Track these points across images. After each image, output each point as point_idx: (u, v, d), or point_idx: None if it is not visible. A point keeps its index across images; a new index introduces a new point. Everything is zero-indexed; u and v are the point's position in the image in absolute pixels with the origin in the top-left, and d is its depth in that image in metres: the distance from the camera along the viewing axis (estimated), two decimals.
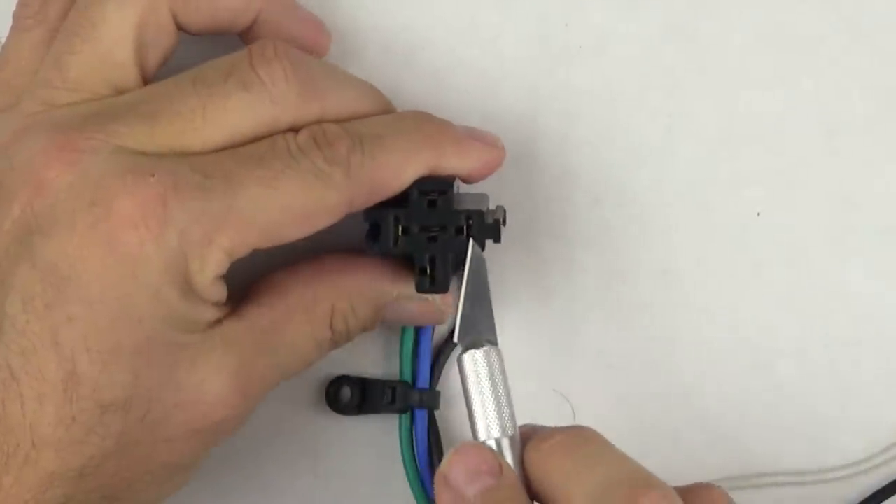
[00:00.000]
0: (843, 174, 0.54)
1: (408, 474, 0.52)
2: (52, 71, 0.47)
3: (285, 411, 0.53)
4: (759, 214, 0.54)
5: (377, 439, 0.54)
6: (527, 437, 0.44)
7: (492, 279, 0.53)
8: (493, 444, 0.44)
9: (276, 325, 0.47)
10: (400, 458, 0.53)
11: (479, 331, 0.45)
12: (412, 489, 0.52)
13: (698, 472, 0.53)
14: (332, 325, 0.48)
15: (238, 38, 0.50)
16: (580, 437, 0.43)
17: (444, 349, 0.54)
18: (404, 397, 0.53)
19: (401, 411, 0.53)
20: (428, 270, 0.48)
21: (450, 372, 0.54)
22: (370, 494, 0.54)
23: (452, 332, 0.53)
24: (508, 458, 0.44)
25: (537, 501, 0.43)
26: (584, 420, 0.53)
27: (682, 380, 0.54)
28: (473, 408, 0.44)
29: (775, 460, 0.54)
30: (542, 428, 0.44)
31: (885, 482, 0.54)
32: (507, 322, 0.54)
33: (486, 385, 0.44)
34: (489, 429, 0.44)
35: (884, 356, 0.54)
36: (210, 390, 0.45)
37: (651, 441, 0.54)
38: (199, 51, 0.49)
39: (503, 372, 0.45)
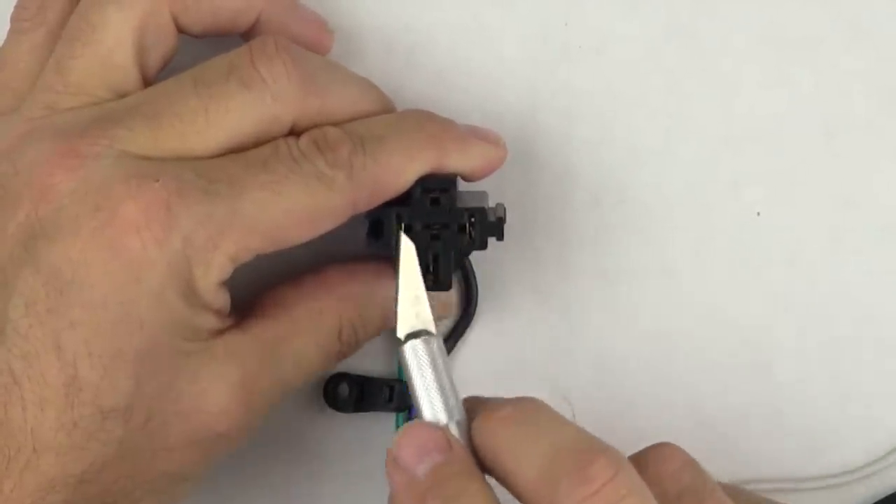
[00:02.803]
0: (842, 174, 0.54)
1: None
2: (53, 75, 0.47)
3: (283, 407, 0.53)
4: (758, 214, 0.54)
5: (374, 437, 0.54)
6: (473, 411, 0.44)
7: (491, 279, 0.53)
8: None
9: (281, 339, 0.47)
10: None
11: (417, 321, 0.45)
12: None
13: None
14: (340, 336, 0.49)
15: (239, 39, 0.49)
16: (528, 408, 0.43)
17: None
18: (402, 396, 0.53)
19: (398, 410, 0.53)
20: (430, 269, 0.48)
21: None
22: (367, 492, 0.54)
23: (451, 333, 0.53)
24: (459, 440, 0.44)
25: (488, 474, 0.42)
26: (583, 420, 0.53)
27: (681, 380, 0.54)
28: (418, 396, 0.44)
29: (775, 464, 0.54)
30: (487, 400, 0.44)
31: (885, 491, 0.54)
32: (507, 322, 0.54)
33: (429, 373, 0.44)
34: (436, 415, 0.44)
35: (884, 356, 0.54)
36: (212, 401, 0.45)
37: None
38: (200, 52, 0.48)
39: (445, 359, 0.44)
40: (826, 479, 0.54)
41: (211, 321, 0.45)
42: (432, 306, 0.45)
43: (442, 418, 0.43)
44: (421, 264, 0.48)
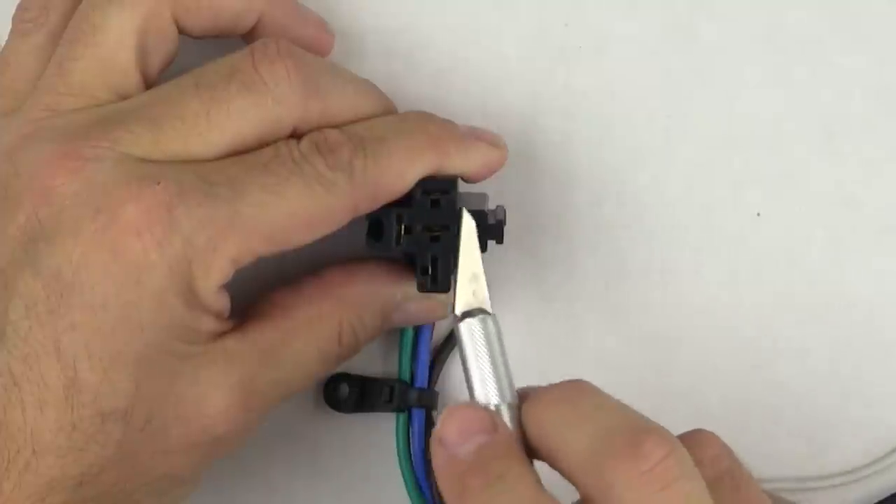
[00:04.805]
0: (842, 174, 0.54)
1: (403, 473, 0.52)
2: (54, 76, 0.47)
3: (283, 407, 0.53)
4: (758, 215, 0.54)
5: (374, 437, 0.54)
6: (524, 397, 0.43)
7: (492, 279, 0.53)
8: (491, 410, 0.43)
9: (281, 342, 0.47)
10: (396, 457, 0.52)
11: (474, 300, 0.45)
12: (407, 488, 0.52)
13: None
14: (340, 339, 0.48)
15: (240, 41, 0.50)
16: (576, 390, 0.42)
17: (442, 349, 0.54)
18: (402, 396, 0.53)
19: (398, 410, 0.53)
20: (429, 270, 0.48)
21: (448, 372, 0.54)
22: (366, 492, 0.54)
23: (451, 333, 0.53)
24: (507, 423, 0.43)
25: (537, 458, 0.42)
26: None
27: (682, 380, 0.54)
28: (471, 376, 0.43)
29: (775, 464, 0.54)
30: (539, 388, 0.44)
31: (885, 491, 0.54)
32: (507, 322, 0.53)
33: (483, 353, 0.44)
34: (487, 396, 0.43)
35: (884, 356, 0.54)
36: (211, 404, 0.45)
37: None
38: (201, 53, 0.48)
39: (500, 340, 0.44)
40: (826, 479, 0.54)
41: (211, 324, 0.45)
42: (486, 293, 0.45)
43: (493, 400, 0.43)
44: (420, 265, 0.48)
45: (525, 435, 0.42)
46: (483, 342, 0.44)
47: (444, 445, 0.42)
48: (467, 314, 0.44)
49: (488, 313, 0.44)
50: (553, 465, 0.41)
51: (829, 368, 0.54)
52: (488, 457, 0.41)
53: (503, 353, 0.44)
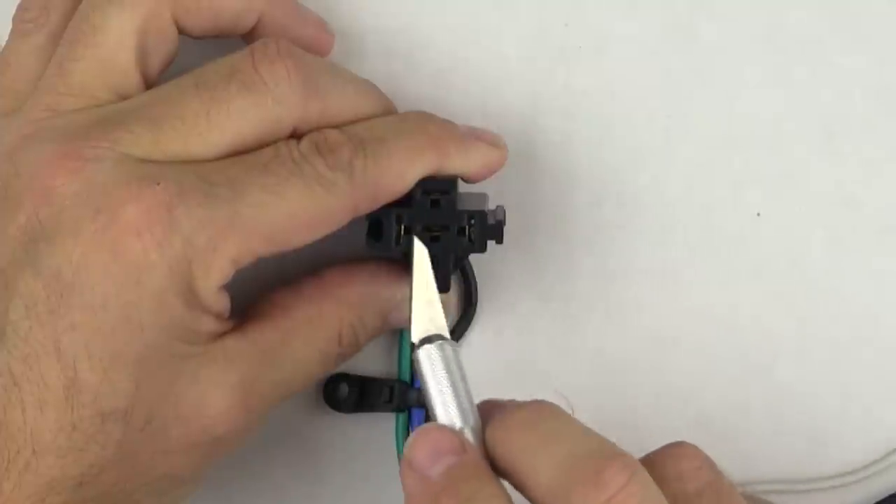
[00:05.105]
0: (842, 174, 0.54)
1: None
2: (55, 77, 0.47)
3: (283, 407, 0.53)
4: (758, 215, 0.54)
5: (374, 437, 0.54)
6: (487, 414, 0.43)
7: (491, 279, 0.53)
8: None
9: (281, 342, 0.47)
10: (396, 457, 0.52)
11: (431, 326, 0.45)
12: None
13: None
14: (340, 340, 0.48)
15: (241, 41, 0.49)
16: (541, 413, 0.42)
17: None
18: (402, 396, 0.53)
19: (398, 410, 0.53)
20: None
21: None
22: (366, 492, 0.54)
23: (451, 333, 0.53)
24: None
25: (505, 479, 0.42)
26: (583, 420, 0.53)
27: (681, 380, 0.54)
28: (433, 402, 0.44)
29: (775, 464, 0.54)
30: (502, 403, 0.44)
31: (885, 491, 0.54)
32: (507, 322, 0.54)
33: (443, 378, 0.44)
34: (451, 420, 0.43)
35: (884, 356, 0.54)
36: (211, 405, 0.45)
37: (649, 442, 0.53)
38: (202, 54, 0.48)
39: (459, 364, 0.44)
40: (826, 480, 0.54)
41: (211, 324, 0.45)
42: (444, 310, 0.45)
43: (457, 423, 0.43)
44: None
45: (491, 457, 0.42)
46: (442, 368, 0.44)
47: (414, 468, 0.42)
48: (425, 340, 0.44)
49: (445, 339, 0.44)
50: (520, 490, 0.41)
51: (829, 368, 0.54)
52: (458, 478, 0.41)
53: (463, 377, 0.44)
